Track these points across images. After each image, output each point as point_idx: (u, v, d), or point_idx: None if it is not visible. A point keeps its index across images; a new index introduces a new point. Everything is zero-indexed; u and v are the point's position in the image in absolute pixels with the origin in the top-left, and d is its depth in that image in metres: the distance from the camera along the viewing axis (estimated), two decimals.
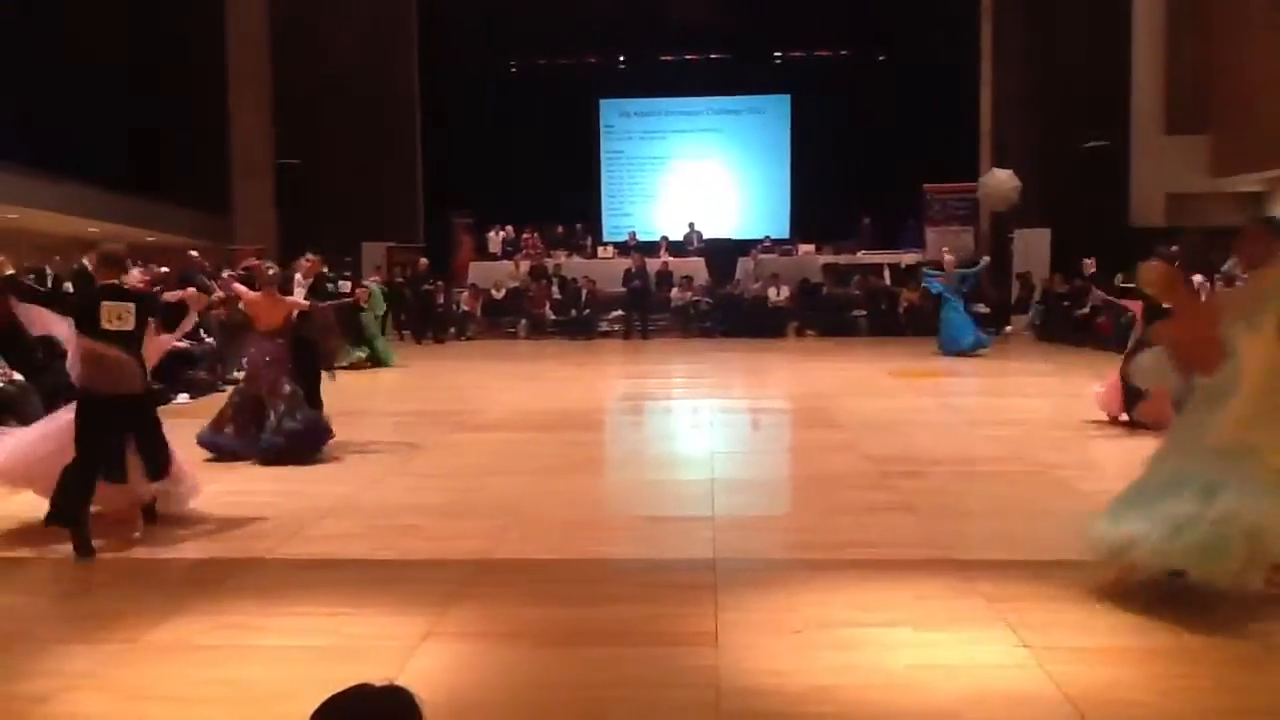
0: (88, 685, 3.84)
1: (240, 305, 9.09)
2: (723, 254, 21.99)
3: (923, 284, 17.43)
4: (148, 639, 4.29)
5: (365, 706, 1.62)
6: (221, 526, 6.14)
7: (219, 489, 7.12)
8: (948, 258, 17.17)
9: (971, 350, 15.62)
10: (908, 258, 21.60)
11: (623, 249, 22.59)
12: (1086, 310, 17.42)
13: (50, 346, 10.83)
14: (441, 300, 20.86)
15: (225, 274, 10.37)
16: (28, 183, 16.53)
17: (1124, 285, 10.93)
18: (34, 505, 6.55)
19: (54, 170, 17.10)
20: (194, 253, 16.31)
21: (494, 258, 22.82)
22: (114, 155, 19.60)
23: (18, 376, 9.70)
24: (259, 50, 22.52)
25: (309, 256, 10.39)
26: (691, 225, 23.21)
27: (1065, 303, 18.39)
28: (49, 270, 13.53)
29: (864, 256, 21.44)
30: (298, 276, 10.03)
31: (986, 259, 18.23)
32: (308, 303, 8.96)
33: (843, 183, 22.70)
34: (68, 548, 5.56)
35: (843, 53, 25.09)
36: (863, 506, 6.46)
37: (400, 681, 3.52)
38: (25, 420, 9.53)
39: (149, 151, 20.99)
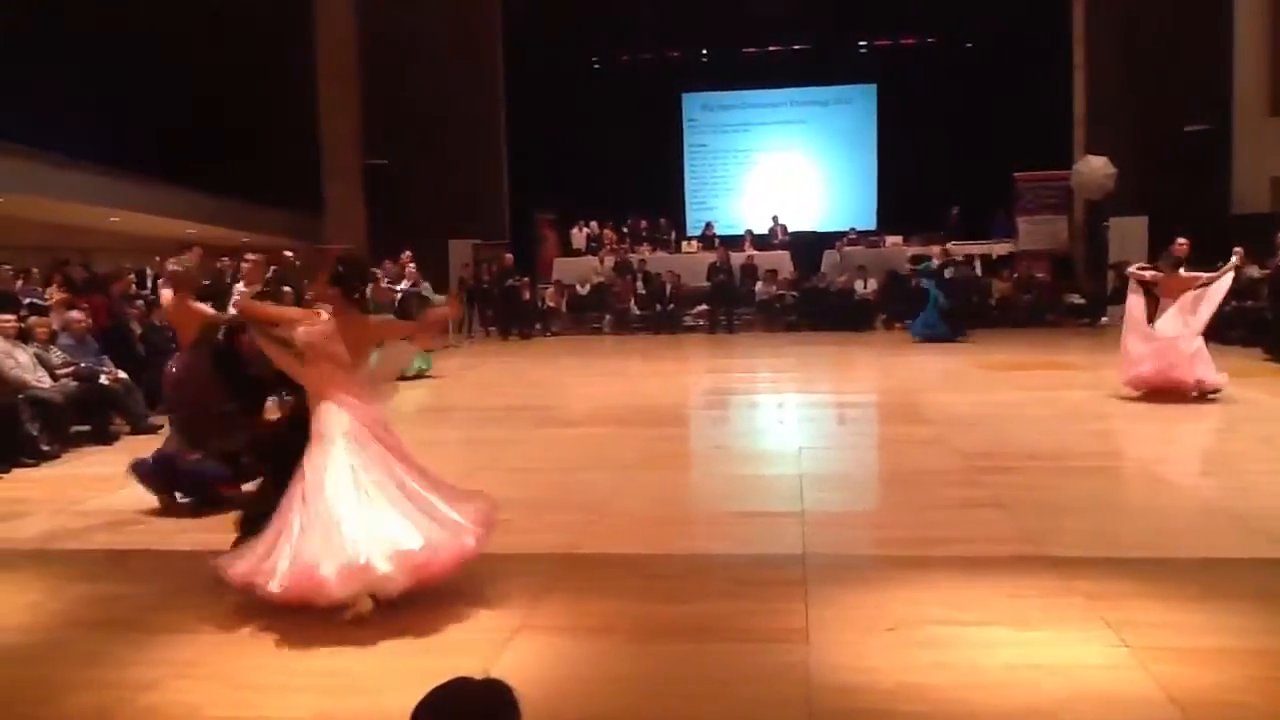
0: (192, 674, 3.96)
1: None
2: (808, 247, 21.79)
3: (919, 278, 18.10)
4: (248, 630, 4.41)
5: (466, 699, 1.65)
6: None
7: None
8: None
9: (929, 336, 16.77)
10: (999, 248, 21.17)
11: (706, 243, 22.55)
12: None
13: (152, 345, 11.23)
14: (526, 296, 21.05)
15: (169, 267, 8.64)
16: (127, 187, 17.12)
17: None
18: (137, 500, 6.79)
19: (152, 174, 17.68)
20: (288, 253, 16.67)
21: (578, 254, 22.94)
22: (210, 158, 20.17)
23: (122, 374, 10.03)
24: (348, 51, 22.95)
25: (249, 256, 9.05)
26: (776, 218, 23.08)
27: None
28: (149, 271, 13.97)
29: (953, 247, 21.05)
30: (239, 286, 8.46)
31: (935, 262, 18.37)
32: (216, 312, 7.13)
33: (930, 172, 22.33)
34: (173, 541, 5.74)
35: (929, 40, 24.68)
36: (954, 502, 6.36)
37: (494, 673, 3.57)
38: (129, 417, 9.89)
39: (244, 154, 21.54)
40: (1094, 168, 19.01)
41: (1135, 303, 10.38)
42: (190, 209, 18.58)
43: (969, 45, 24.01)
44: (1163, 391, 9.77)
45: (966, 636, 4.15)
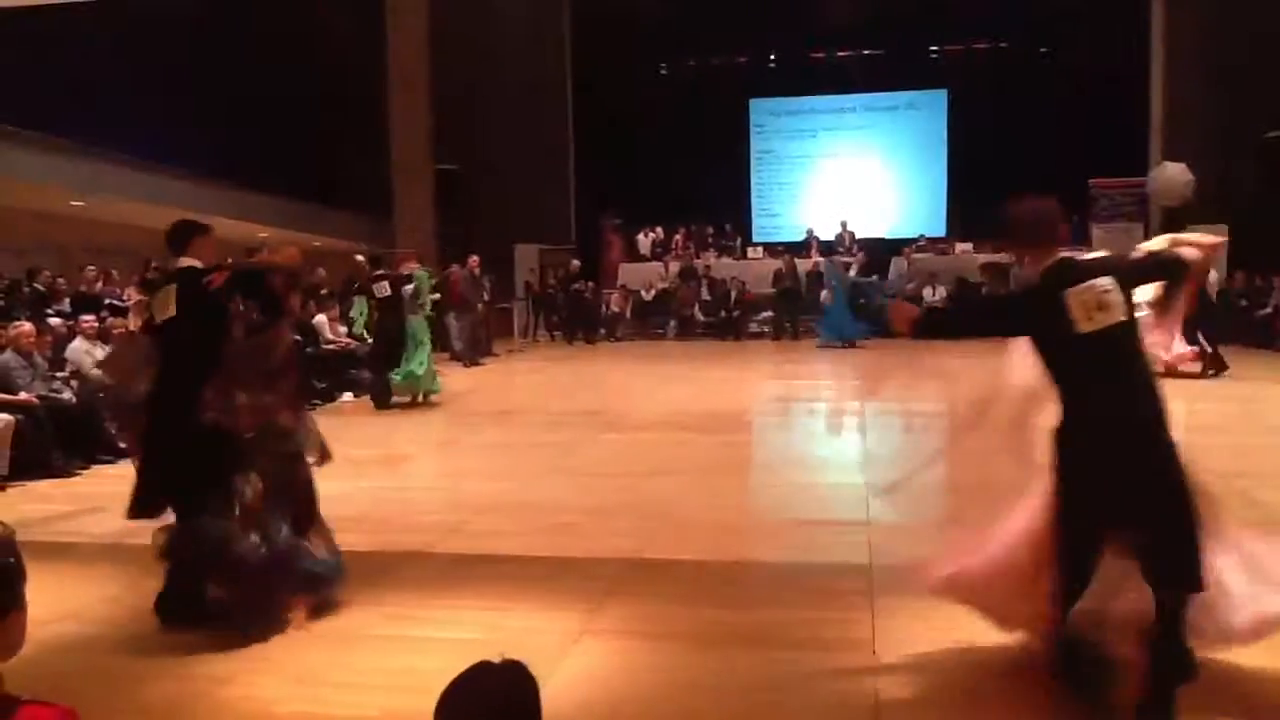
0: (265, 669, 4.04)
1: None
2: (876, 253, 21.59)
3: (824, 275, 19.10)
4: (319, 627, 4.48)
5: (487, 680, 1.73)
6: (384, 521, 6.35)
7: (380, 485, 7.38)
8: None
9: (835, 339, 17.70)
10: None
11: (772, 250, 22.47)
12: (1269, 310, 16.44)
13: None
14: (592, 301, 21.15)
15: None
16: (204, 190, 17.50)
17: None
18: None
19: (228, 178, 18.06)
20: (359, 257, 16.95)
21: (643, 259, 22.99)
22: (283, 162, 20.55)
23: None
24: (419, 57, 23.22)
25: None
26: (844, 224, 22.90)
27: (1244, 303, 17.38)
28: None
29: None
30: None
31: (875, 278, 19.60)
32: None
33: (1002, 179, 21.75)
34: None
35: (1002, 45, 24.35)
36: None
37: (557, 677, 3.60)
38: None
39: (317, 158, 21.93)
40: (1172, 174, 18.41)
41: None
42: (264, 212, 18.94)
43: (1043, 50, 23.64)
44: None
45: None
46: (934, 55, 25.04)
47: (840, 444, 9.50)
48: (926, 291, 19.72)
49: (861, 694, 3.72)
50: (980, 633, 4.23)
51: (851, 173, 25.45)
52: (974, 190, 23.05)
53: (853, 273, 19.38)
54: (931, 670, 3.92)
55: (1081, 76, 21.62)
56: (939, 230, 23.65)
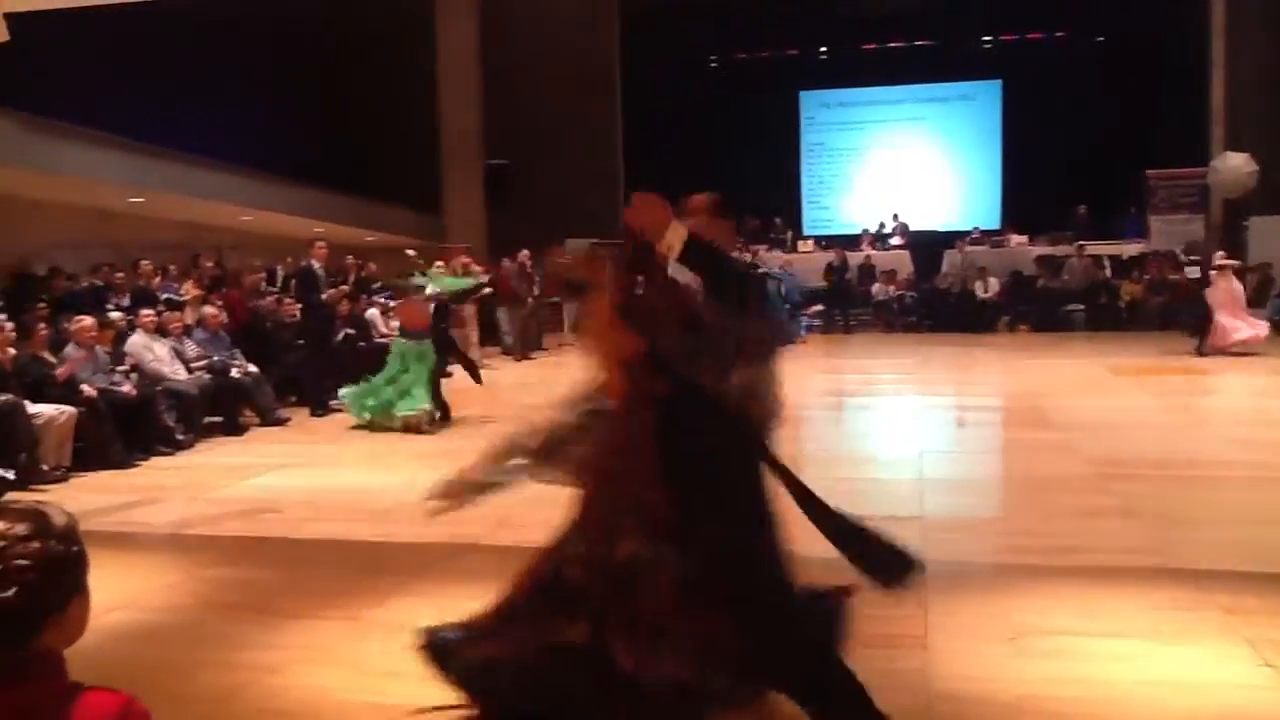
0: (316, 659, 4.08)
1: None
2: (928, 246, 21.35)
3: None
4: (370, 617, 4.52)
5: None
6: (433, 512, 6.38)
7: (430, 477, 7.41)
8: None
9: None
10: (1130, 248, 20.41)
11: (823, 243, 22.32)
12: None
13: (281, 340, 11.62)
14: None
15: None
16: (259, 186, 17.71)
17: None
18: (265, 490, 7.02)
19: (281, 174, 18.28)
20: (411, 252, 17.08)
21: None
22: (335, 158, 20.77)
23: (253, 368, 10.39)
24: (469, 52, 23.35)
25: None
26: (895, 217, 22.68)
27: None
28: (280, 270, 14.43)
29: (1081, 247, 20.36)
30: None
31: (788, 274, 19.51)
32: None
33: (1057, 170, 21.68)
34: (301, 530, 5.92)
35: (1057, 34, 23.96)
36: (1082, 510, 6.14)
37: None
38: (259, 409, 10.26)
39: (368, 154, 22.13)
40: (1233, 165, 18.18)
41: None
42: (317, 208, 19.12)
43: (1100, 39, 23.23)
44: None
45: (1094, 649, 4.00)
46: (987, 45, 24.69)
47: (892, 438, 9.40)
48: (979, 285, 19.49)
49: (913, 690, 3.68)
50: (1034, 628, 4.17)
51: (903, 165, 25.18)
52: (1029, 182, 22.78)
53: (777, 269, 19.40)
54: (985, 666, 3.87)
55: (1139, 65, 21.19)
56: (993, 223, 23.32)
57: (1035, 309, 19.19)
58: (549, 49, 23.26)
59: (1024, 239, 21.13)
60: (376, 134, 22.63)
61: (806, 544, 5.61)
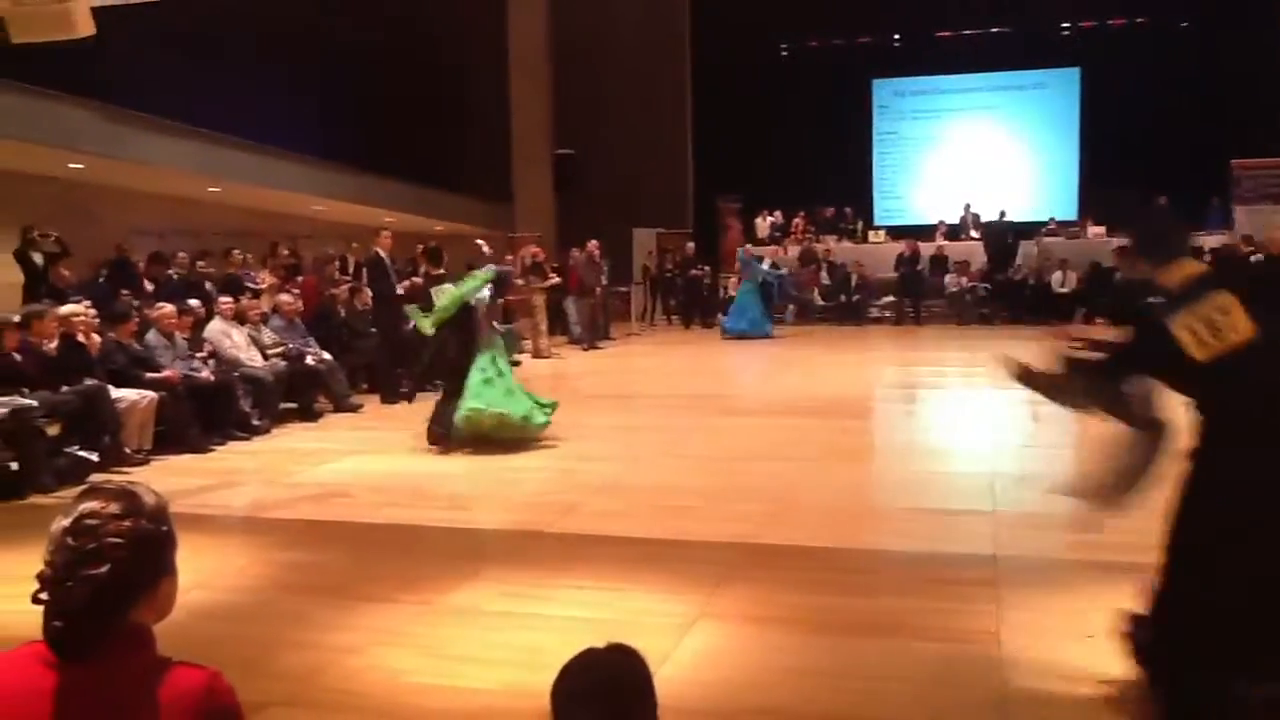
0: (392, 641, 4.14)
1: None
2: (1003, 237, 20.99)
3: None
4: (443, 601, 4.58)
5: (600, 667, 1.72)
6: (505, 500, 6.46)
7: (500, 465, 7.50)
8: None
9: (747, 332, 17.52)
10: (1213, 239, 19.86)
11: (894, 233, 22.07)
12: None
13: (354, 328, 11.79)
14: (709, 285, 21.09)
15: None
16: (332, 176, 18.00)
17: None
18: (339, 475, 7.14)
19: (354, 164, 18.54)
20: (480, 241, 17.23)
21: (762, 243, 22.79)
22: (407, 149, 21.01)
23: (326, 355, 10.56)
24: (538, 42, 23.44)
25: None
26: (968, 207, 22.31)
27: None
28: (350, 258, 14.65)
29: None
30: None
31: (785, 272, 19.61)
32: None
33: (1138, 160, 21.12)
34: (373, 514, 6.02)
35: (1139, 20, 23.37)
36: (1160, 506, 5.98)
37: (674, 659, 3.60)
38: (332, 396, 10.43)
39: (439, 145, 22.35)
40: None
41: None
42: (388, 198, 19.37)
43: (1183, 24, 22.62)
44: None
45: None
46: (1066, 32, 24.18)
47: (963, 431, 9.26)
48: (1056, 277, 19.12)
49: (986, 686, 3.63)
50: (1107, 623, 4.08)
51: (978, 154, 24.78)
52: (1108, 172, 22.24)
53: (766, 265, 19.12)
54: (1059, 663, 3.80)
55: (1223, 51, 20.60)
56: (1070, 214, 22.85)
57: (1113, 301, 18.75)
58: (619, 38, 23.28)
59: (1101, 230, 20.66)
60: (447, 124, 22.86)
61: (884, 539, 5.59)
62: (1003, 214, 21.33)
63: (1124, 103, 22.11)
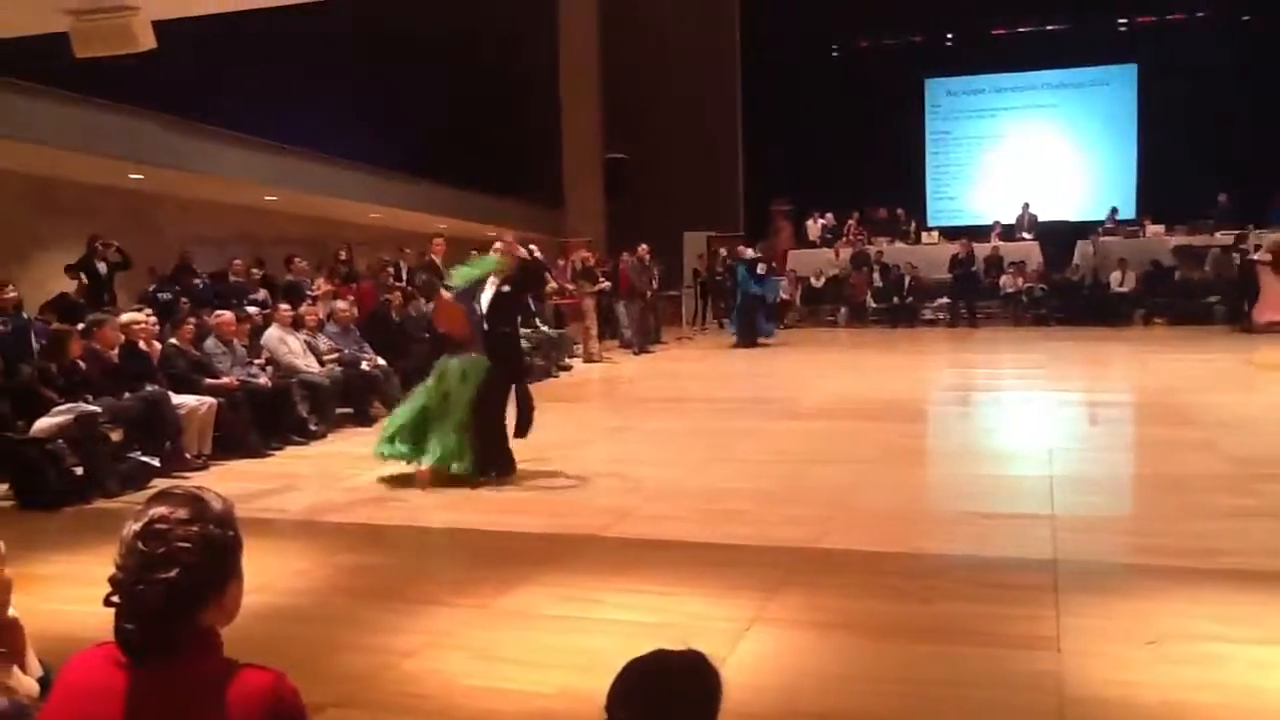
0: (447, 643, 4.17)
1: None
2: (1059, 237, 20.69)
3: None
4: (499, 604, 4.61)
5: (668, 664, 1.68)
6: (559, 504, 6.48)
7: (554, 469, 7.53)
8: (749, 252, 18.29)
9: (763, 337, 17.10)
10: (1276, 237, 19.44)
11: (948, 234, 21.84)
12: None
13: (408, 333, 11.90)
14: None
15: None
16: (386, 184, 18.22)
17: None
18: (394, 479, 7.21)
19: (408, 171, 18.76)
20: (532, 246, 17.30)
21: (813, 245, 22.69)
22: (459, 156, 21.18)
23: (381, 361, 10.67)
24: (589, 47, 23.56)
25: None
26: (1025, 207, 21.99)
27: None
28: (402, 264, 14.78)
29: (1222, 237, 19.43)
30: None
31: (777, 278, 18.87)
32: None
33: (1197, 157, 20.75)
34: (429, 518, 6.07)
35: (1198, 15, 22.94)
36: (1224, 511, 5.88)
37: (729, 664, 3.59)
38: (387, 401, 10.53)
39: (491, 151, 22.51)
40: None
41: None
42: (441, 204, 19.57)
43: (1244, 18, 22.17)
44: None
45: (1239, 655, 3.83)
46: (1123, 28, 23.81)
47: (1021, 434, 9.15)
48: (1114, 276, 18.81)
49: (1045, 692, 3.58)
50: (1174, 632, 4.02)
51: (1033, 153, 24.49)
52: (1166, 170, 21.86)
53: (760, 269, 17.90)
54: (1122, 670, 3.73)
55: None
56: (1128, 212, 22.48)
57: (1172, 302, 18.44)
58: (669, 41, 23.31)
59: (1160, 228, 20.30)
60: (499, 130, 23.02)
61: (941, 543, 5.53)
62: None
63: (1183, 99, 21.72)
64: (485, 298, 7.34)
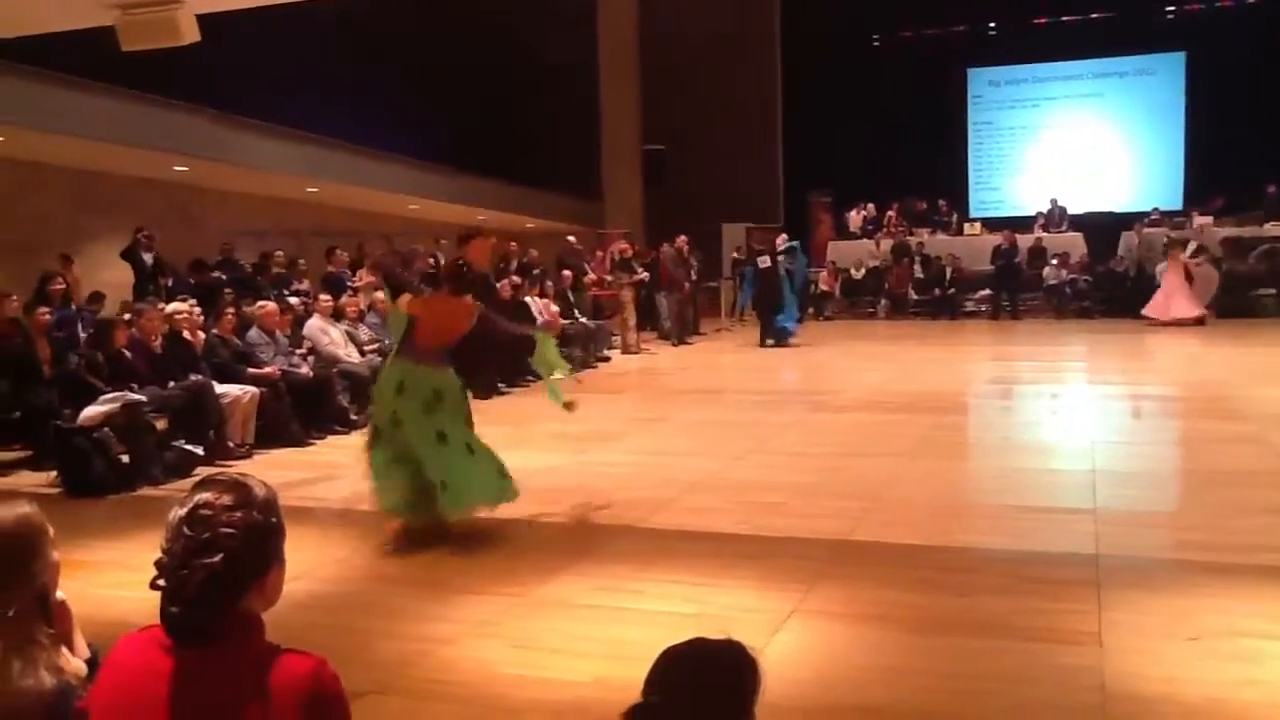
0: (485, 632, 4.20)
1: None
2: (1103, 228, 20.41)
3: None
4: (536, 594, 4.63)
5: (706, 651, 1.68)
6: (596, 494, 6.49)
7: (592, 459, 7.55)
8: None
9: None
10: None
11: (991, 225, 21.61)
12: None
13: None
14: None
15: None
16: (427, 176, 18.33)
17: None
18: None
19: (448, 163, 18.85)
20: (571, 238, 17.36)
21: (853, 237, 22.53)
22: (499, 148, 21.27)
23: None
24: (628, 39, 23.52)
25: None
26: (1054, 201, 21.59)
27: None
28: (440, 256, 14.87)
29: (1271, 228, 19.07)
30: None
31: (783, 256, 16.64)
32: None
33: (1246, 147, 20.37)
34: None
35: (1248, 1, 22.52)
36: (1270, 507, 5.78)
37: (766, 656, 3.58)
38: None
39: (530, 143, 22.58)
40: None
41: None
42: (480, 196, 19.66)
43: None
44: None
45: None
46: (1170, 15, 23.43)
47: (1063, 428, 9.05)
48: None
49: (1087, 688, 3.54)
50: (1218, 629, 3.96)
51: (1077, 143, 24.17)
52: (1214, 159, 21.48)
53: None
54: (1164, 666, 3.69)
55: None
56: (1175, 203, 22.14)
57: (1221, 294, 18.13)
58: (708, 32, 23.23)
59: (1208, 220, 19.96)
60: (538, 122, 23.08)
61: (981, 537, 5.49)
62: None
63: (1232, 87, 21.33)
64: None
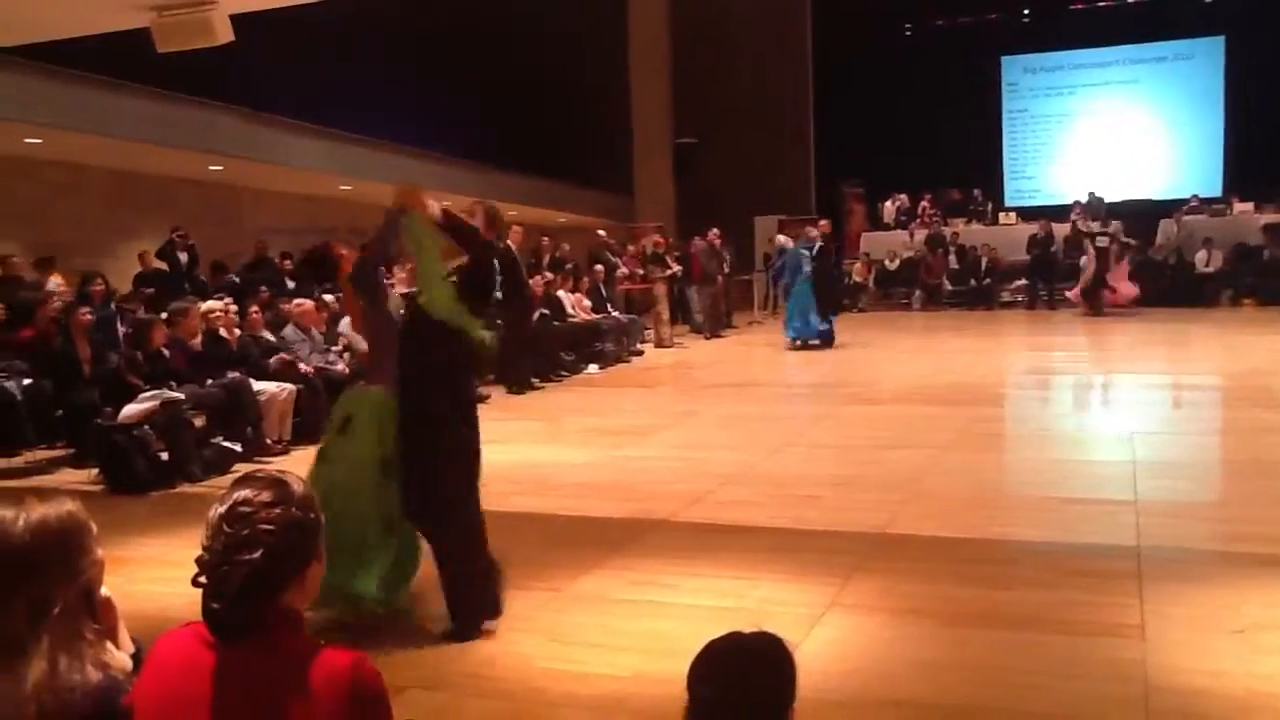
0: (523, 627, 4.21)
1: None
2: (1141, 216, 20.14)
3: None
4: (572, 589, 4.64)
5: (746, 645, 1.69)
6: (631, 489, 6.49)
7: (627, 454, 7.55)
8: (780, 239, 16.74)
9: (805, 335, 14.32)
10: None
11: (1026, 214, 21.37)
12: None
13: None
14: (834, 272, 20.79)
15: None
16: (459, 172, 18.38)
17: None
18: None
19: (478, 159, 18.90)
20: (602, 232, 17.37)
21: (887, 227, 22.39)
22: (531, 143, 21.30)
23: None
24: (659, 32, 23.49)
25: None
26: (1091, 194, 21.28)
27: None
28: None
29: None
30: None
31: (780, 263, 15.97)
32: None
33: None
34: (505, 503, 6.11)
35: None
36: None
37: (803, 649, 3.57)
38: None
39: (562, 138, 22.59)
40: None
41: None
42: (512, 191, 19.69)
43: None
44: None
45: None
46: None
47: (1102, 419, 8.95)
48: (1200, 256, 18.28)
49: (1130, 680, 3.50)
50: (1263, 621, 3.90)
51: (1114, 131, 23.88)
52: (1254, 146, 21.15)
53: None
54: (1209, 659, 3.64)
55: None
56: (1214, 190, 21.83)
57: (1261, 282, 17.85)
58: (738, 24, 23.14)
59: (1249, 207, 19.66)
60: (569, 117, 23.08)
61: (1021, 529, 5.44)
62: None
63: (1272, 72, 20.99)
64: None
